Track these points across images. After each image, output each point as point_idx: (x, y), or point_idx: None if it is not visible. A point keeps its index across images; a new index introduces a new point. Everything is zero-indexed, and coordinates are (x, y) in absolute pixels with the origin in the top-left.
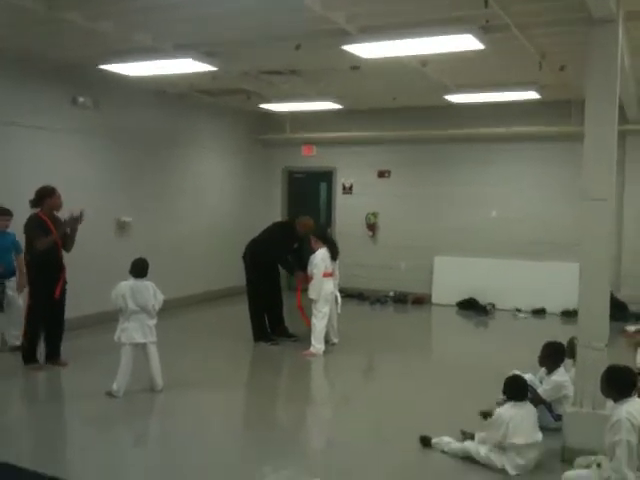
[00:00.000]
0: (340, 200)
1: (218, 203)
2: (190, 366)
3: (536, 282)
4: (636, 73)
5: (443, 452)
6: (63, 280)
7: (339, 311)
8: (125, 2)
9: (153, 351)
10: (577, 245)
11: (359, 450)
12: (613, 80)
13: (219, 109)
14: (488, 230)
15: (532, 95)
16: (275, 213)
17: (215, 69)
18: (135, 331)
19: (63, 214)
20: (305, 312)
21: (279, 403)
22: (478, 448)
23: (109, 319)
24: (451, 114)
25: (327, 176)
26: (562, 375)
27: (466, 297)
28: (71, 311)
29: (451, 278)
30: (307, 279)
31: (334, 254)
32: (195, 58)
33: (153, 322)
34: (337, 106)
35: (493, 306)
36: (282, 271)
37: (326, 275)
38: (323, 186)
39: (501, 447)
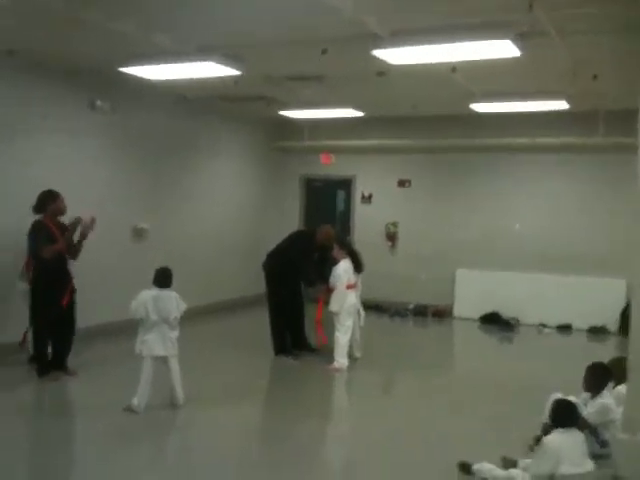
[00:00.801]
0: (359, 209)
1: (235, 210)
2: (210, 379)
3: (561, 297)
4: None
5: None
6: (71, 289)
7: (362, 324)
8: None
9: (174, 364)
10: (604, 259)
11: (391, 475)
12: None
13: (237, 115)
14: (511, 243)
15: (561, 105)
16: (292, 222)
17: (239, 73)
18: (156, 343)
19: (70, 219)
20: (323, 329)
21: (302, 420)
22: (525, 477)
23: (125, 329)
24: (474, 123)
25: (346, 185)
26: (608, 398)
27: (489, 311)
28: (85, 320)
29: (473, 291)
30: (329, 291)
31: (358, 267)
32: (219, 62)
33: (175, 334)
34: (358, 113)
35: (517, 321)
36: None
37: (349, 287)
38: (341, 195)
39: (551, 477)
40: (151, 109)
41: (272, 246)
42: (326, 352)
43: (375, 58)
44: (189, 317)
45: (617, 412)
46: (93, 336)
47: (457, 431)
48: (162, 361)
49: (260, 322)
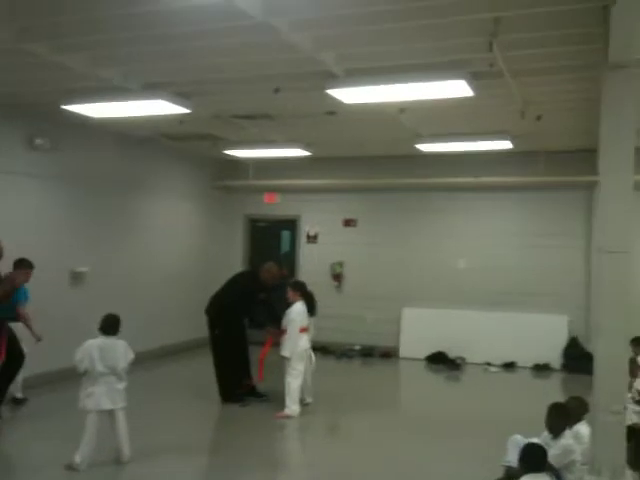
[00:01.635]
0: (304, 249)
1: (178, 251)
2: (155, 430)
3: (505, 334)
4: None
5: None
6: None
7: (313, 369)
8: (96, 34)
9: (121, 418)
10: (547, 295)
11: None
12: (629, 127)
13: (181, 154)
14: (456, 280)
15: (505, 145)
16: (237, 261)
17: (187, 111)
18: (103, 396)
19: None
20: (263, 366)
21: (255, 471)
22: None
23: (61, 378)
24: (419, 163)
25: (291, 224)
26: (569, 438)
27: (435, 351)
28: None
29: (419, 330)
30: (280, 333)
31: (311, 308)
32: (167, 99)
33: (123, 385)
34: (304, 153)
35: (463, 360)
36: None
37: (302, 331)
38: (286, 234)
39: None
40: (92, 147)
41: (215, 288)
42: (274, 397)
43: (327, 97)
44: (132, 363)
45: (578, 452)
46: (30, 387)
47: (415, 473)
48: (107, 414)
49: (205, 367)
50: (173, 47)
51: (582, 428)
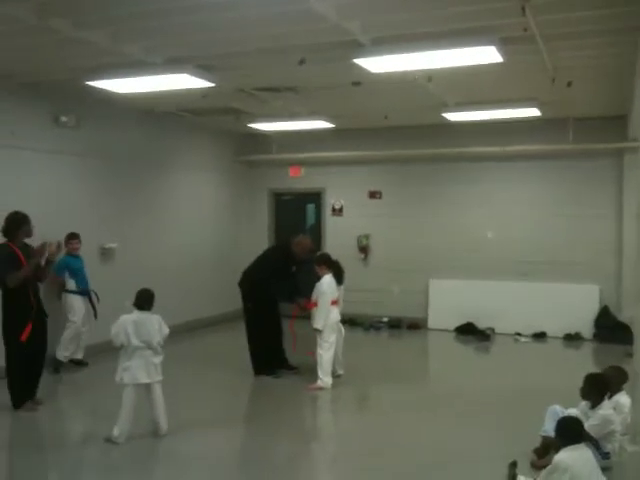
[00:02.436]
0: (330, 222)
1: (204, 226)
2: (191, 404)
3: (536, 304)
4: None
5: None
6: (34, 321)
7: (343, 341)
8: (118, 8)
9: (158, 391)
10: (577, 265)
11: None
12: None
13: (205, 129)
14: (484, 251)
15: (533, 112)
16: (262, 236)
17: (211, 85)
18: (139, 370)
19: (34, 242)
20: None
21: (289, 443)
22: None
23: (93, 352)
24: (445, 132)
25: (316, 197)
26: (607, 408)
27: (463, 321)
28: (52, 346)
29: (447, 302)
30: (306, 306)
31: (340, 277)
32: (191, 73)
33: (159, 359)
34: (328, 125)
35: (492, 330)
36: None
37: (332, 303)
38: (311, 208)
39: None
40: (117, 123)
41: (244, 261)
42: (306, 370)
43: (353, 67)
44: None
45: (617, 423)
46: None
47: (451, 446)
48: (144, 388)
49: (235, 340)
50: (196, 20)
51: (622, 398)
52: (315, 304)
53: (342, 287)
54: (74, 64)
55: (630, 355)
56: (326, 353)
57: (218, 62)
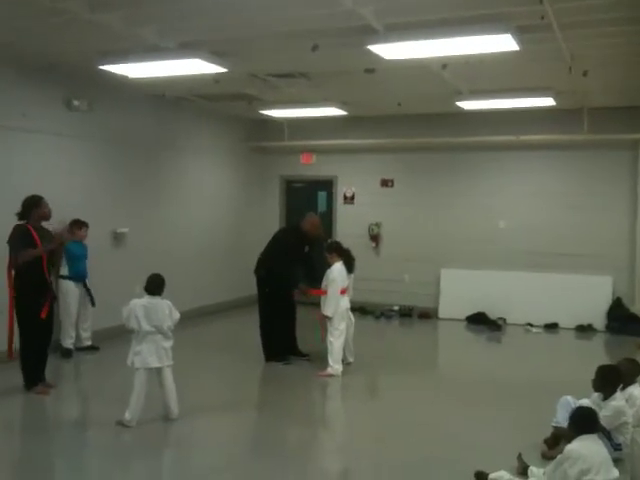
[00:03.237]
0: (341, 210)
1: (215, 212)
2: (202, 389)
3: (548, 295)
4: None
5: None
6: (51, 299)
7: (353, 329)
8: None
9: (168, 376)
10: (590, 256)
11: None
12: None
13: (216, 114)
14: (496, 241)
15: (548, 102)
16: (273, 222)
17: (224, 70)
18: (150, 354)
19: (52, 225)
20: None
21: (299, 430)
22: None
23: (105, 336)
24: (458, 121)
25: (327, 185)
26: (620, 400)
27: (475, 311)
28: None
29: (458, 291)
30: (308, 292)
31: (350, 266)
32: (204, 58)
33: (169, 344)
34: (341, 112)
35: (504, 320)
36: None
37: (342, 292)
38: (323, 195)
39: None
40: (129, 107)
41: (254, 248)
42: (317, 358)
43: (367, 53)
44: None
45: (629, 414)
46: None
47: (462, 435)
48: (155, 372)
49: (247, 325)
50: (210, 4)
51: (635, 390)
52: (325, 291)
53: (352, 276)
54: (87, 47)
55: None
56: (336, 341)
57: (231, 47)
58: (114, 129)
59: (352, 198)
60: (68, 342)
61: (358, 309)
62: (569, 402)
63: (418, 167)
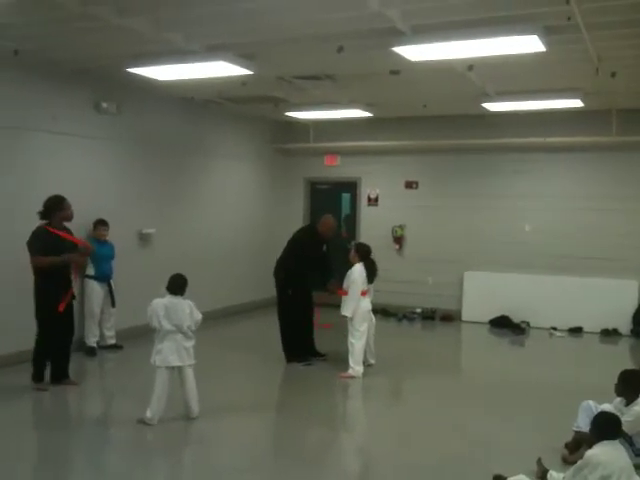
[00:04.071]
0: (365, 212)
1: (240, 213)
2: (223, 389)
3: (572, 299)
4: None
5: None
6: (70, 294)
7: (374, 330)
8: None
9: (190, 375)
10: (616, 260)
11: None
12: None
13: (242, 117)
14: (521, 244)
15: (575, 103)
16: (297, 223)
17: (250, 73)
18: (171, 353)
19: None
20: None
21: (319, 431)
22: None
23: (128, 335)
24: (484, 123)
25: (351, 187)
26: None
27: (498, 314)
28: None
29: (481, 294)
30: (337, 292)
31: (371, 276)
32: (231, 61)
33: (190, 343)
34: (366, 114)
35: (528, 324)
36: None
37: (362, 294)
38: (347, 197)
39: None
40: (156, 110)
41: (278, 249)
42: (337, 359)
43: (392, 55)
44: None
45: None
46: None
47: (483, 438)
48: (177, 371)
49: (269, 327)
50: (236, 7)
51: None
52: (346, 292)
53: (372, 286)
54: (116, 51)
55: None
56: (357, 342)
57: (258, 50)
58: (142, 131)
59: (376, 200)
60: (92, 340)
61: (380, 311)
62: (590, 407)
63: (442, 169)
